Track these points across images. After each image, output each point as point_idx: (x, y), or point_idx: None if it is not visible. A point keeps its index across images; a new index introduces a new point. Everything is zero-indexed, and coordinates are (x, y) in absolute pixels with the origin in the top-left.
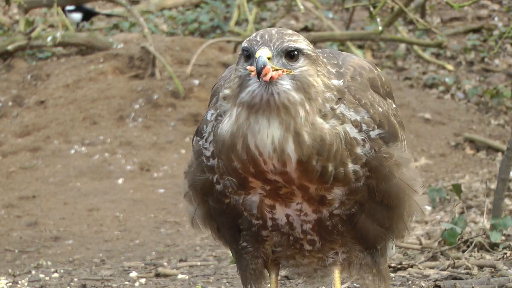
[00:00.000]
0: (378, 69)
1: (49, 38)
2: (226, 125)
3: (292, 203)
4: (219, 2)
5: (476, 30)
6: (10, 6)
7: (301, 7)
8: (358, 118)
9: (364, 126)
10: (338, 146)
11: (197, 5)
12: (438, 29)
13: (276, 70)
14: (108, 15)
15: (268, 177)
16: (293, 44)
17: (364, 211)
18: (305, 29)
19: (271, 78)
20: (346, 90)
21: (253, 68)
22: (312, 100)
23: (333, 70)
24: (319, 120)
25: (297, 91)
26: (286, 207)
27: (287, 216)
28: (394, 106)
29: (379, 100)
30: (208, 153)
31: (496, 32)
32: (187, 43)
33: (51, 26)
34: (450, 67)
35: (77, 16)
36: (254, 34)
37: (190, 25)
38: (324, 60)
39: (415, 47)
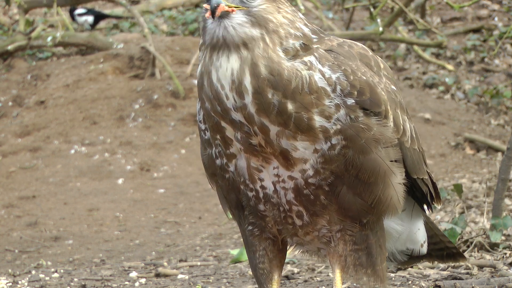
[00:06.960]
0: (377, 56)
1: (49, 38)
2: (198, 68)
3: (267, 159)
4: None
5: (476, 30)
6: (10, 6)
7: (301, 7)
8: (333, 77)
9: (338, 88)
10: (298, 85)
11: (197, 5)
12: (438, 29)
13: (230, 7)
14: (117, 17)
15: (232, 116)
16: None
17: (345, 184)
18: None
19: (225, 12)
20: (324, 51)
21: (208, 6)
22: (272, 32)
23: (316, 28)
24: (279, 53)
25: (253, 25)
26: (266, 165)
27: (274, 184)
28: (393, 87)
29: (365, 71)
30: (203, 127)
31: (496, 32)
32: (187, 43)
33: (51, 26)
34: (450, 67)
35: (90, 18)
36: None
37: (190, 25)
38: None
39: (415, 47)
